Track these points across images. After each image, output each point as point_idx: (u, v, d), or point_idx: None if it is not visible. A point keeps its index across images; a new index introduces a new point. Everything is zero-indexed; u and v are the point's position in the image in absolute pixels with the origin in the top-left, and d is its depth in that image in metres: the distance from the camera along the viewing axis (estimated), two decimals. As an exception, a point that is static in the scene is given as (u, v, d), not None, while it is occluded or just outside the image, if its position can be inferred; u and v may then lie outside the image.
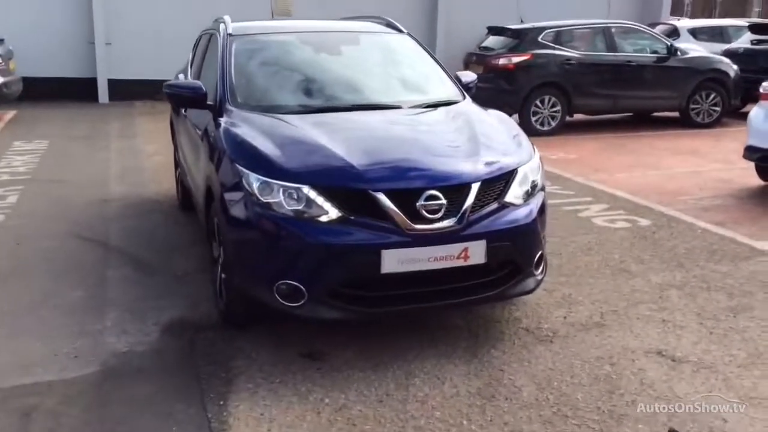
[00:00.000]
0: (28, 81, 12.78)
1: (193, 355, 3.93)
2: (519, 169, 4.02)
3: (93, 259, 5.41)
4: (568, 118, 11.31)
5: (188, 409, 3.39)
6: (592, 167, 8.75)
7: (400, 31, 5.54)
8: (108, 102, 14.56)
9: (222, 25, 5.28)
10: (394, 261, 3.61)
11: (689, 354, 3.95)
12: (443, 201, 3.66)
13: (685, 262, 5.34)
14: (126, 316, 4.38)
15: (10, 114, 12.71)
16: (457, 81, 5.21)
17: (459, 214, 3.69)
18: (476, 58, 11.62)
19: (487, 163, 3.94)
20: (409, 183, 3.72)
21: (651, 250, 5.63)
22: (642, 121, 12.23)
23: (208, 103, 4.66)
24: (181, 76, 6.40)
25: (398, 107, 4.67)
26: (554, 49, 10.99)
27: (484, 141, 4.16)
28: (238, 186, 3.82)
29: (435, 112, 4.67)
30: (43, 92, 13.83)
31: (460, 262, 3.72)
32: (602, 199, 7.22)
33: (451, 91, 5.03)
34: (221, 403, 3.44)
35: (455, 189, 3.74)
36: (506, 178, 3.95)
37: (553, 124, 11.06)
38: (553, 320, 4.37)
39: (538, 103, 10.94)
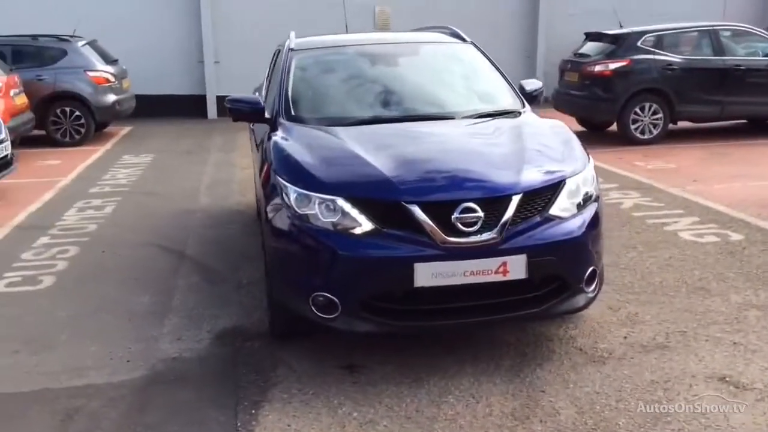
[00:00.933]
0: (142, 99, 13.55)
1: (237, 363, 3.99)
2: (568, 181, 3.83)
3: (166, 267, 5.62)
4: (671, 126, 10.74)
5: (220, 416, 3.44)
6: (690, 177, 8.25)
7: (464, 40, 5.45)
8: (216, 117, 15.18)
9: (287, 41, 5.38)
10: (427, 274, 3.52)
11: (756, 381, 3.62)
12: (480, 214, 3.54)
13: (772, 281, 4.93)
14: (184, 323, 4.52)
15: (125, 129, 13.51)
16: (521, 90, 5.06)
17: (497, 228, 3.56)
18: (571, 66, 11.27)
19: (532, 175, 3.78)
20: (444, 195, 3.63)
21: (737, 268, 5.23)
22: (757, 128, 11.44)
23: (266, 116, 4.75)
24: (257, 92, 6.57)
25: (451, 118, 4.58)
26: (655, 54, 10.47)
27: (532, 152, 4.00)
28: (278, 198, 3.85)
29: (487, 122, 4.55)
30: (156, 109, 14.61)
31: (499, 277, 3.58)
32: (694, 211, 6.79)
33: (509, 100, 4.88)
34: (252, 412, 3.47)
35: (494, 201, 3.61)
36: (552, 190, 3.77)
37: (655, 132, 10.53)
38: (612, 340, 4.13)
39: (637, 110, 10.45)
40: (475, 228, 3.55)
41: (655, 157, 9.54)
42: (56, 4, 14.33)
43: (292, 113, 4.61)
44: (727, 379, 3.65)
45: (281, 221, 3.82)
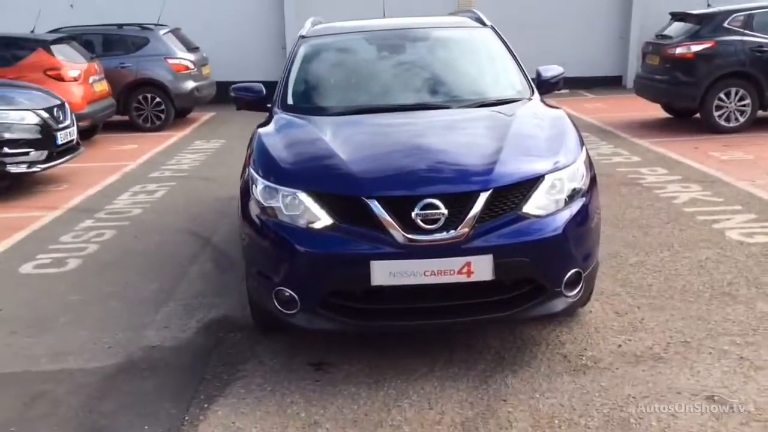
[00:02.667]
0: (225, 86, 13.85)
1: (212, 354, 3.98)
2: (547, 177, 3.55)
3: (187, 254, 5.70)
4: (760, 113, 9.91)
5: (172, 409, 3.43)
6: (766, 170, 7.58)
7: (484, 25, 5.19)
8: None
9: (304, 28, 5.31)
10: (385, 273, 3.36)
11: (748, 402, 3.25)
12: (443, 210, 3.35)
13: (813, 289, 4.44)
14: (178, 312, 4.56)
15: (207, 115, 13.90)
16: (537, 77, 4.76)
17: (461, 225, 3.36)
18: (653, 48, 10.59)
19: (505, 170, 3.54)
20: (405, 190, 3.44)
21: (778, 272, 4.75)
22: None
23: (268, 105, 4.70)
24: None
25: (447, 107, 4.37)
26: (743, 35, 9.66)
27: (513, 146, 3.74)
28: (249, 190, 3.80)
29: (479, 112, 4.30)
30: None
31: (463, 278, 3.38)
32: (753, 208, 6.22)
33: (516, 88, 4.61)
34: (205, 406, 3.45)
35: (459, 198, 3.40)
36: (528, 186, 3.51)
37: (741, 119, 9.73)
38: (604, 348, 3.84)
39: (722, 96, 9.69)
40: (437, 225, 3.36)
41: (736, 147, 8.83)
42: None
43: (288, 102, 4.55)
44: (716, 398, 3.30)
45: (251, 214, 3.76)
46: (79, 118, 10.22)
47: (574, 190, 3.64)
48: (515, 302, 3.52)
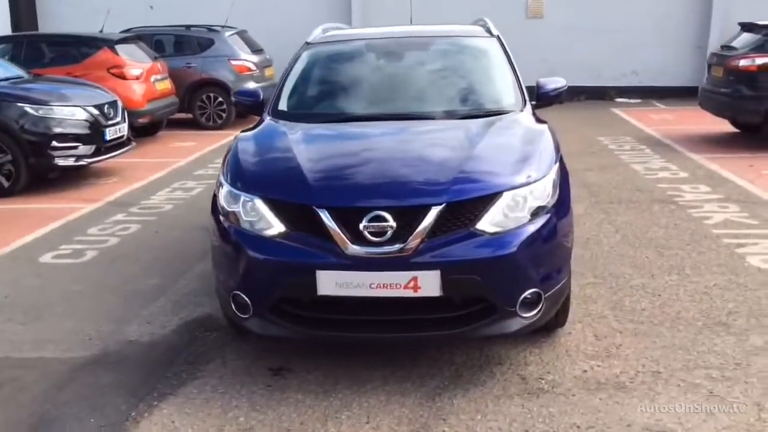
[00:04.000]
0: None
1: (182, 353, 4.06)
2: (506, 193, 3.45)
3: (197, 251, 5.82)
4: (830, 131, 9.30)
5: (123, 404, 3.52)
6: (819, 193, 7.11)
7: (490, 34, 5.08)
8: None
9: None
10: (330, 283, 3.35)
11: (697, 442, 3.07)
12: (391, 223, 3.31)
13: (818, 324, 4.13)
14: (166, 308, 4.67)
15: (271, 115, 14.17)
16: (537, 88, 4.64)
17: (409, 240, 3.31)
18: (717, 59, 10.08)
19: (463, 184, 3.46)
20: (354, 201, 3.42)
21: (789, 304, 4.45)
22: None
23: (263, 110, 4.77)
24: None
25: (431, 118, 4.31)
26: (812, 47, 9.10)
27: (478, 159, 3.66)
28: (216, 195, 3.88)
29: (458, 124, 4.18)
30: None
31: (409, 293, 3.33)
32: (789, 233, 5.85)
33: (508, 100, 4.50)
34: (155, 403, 3.52)
35: (408, 211, 3.35)
36: (484, 203, 3.42)
37: (808, 137, 9.18)
38: (568, 372, 3.69)
39: (788, 112, 9.15)
40: (385, 238, 3.32)
41: (796, 166, 8.32)
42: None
43: (279, 108, 4.60)
44: (665, 435, 3.13)
45: (216, 217, 3.83)
46: (139, 115, 10.72)
47: (538, 207, 3.52)
48: (466, 320, 3.44)
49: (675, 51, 15.17)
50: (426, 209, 3.34)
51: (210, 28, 13.16)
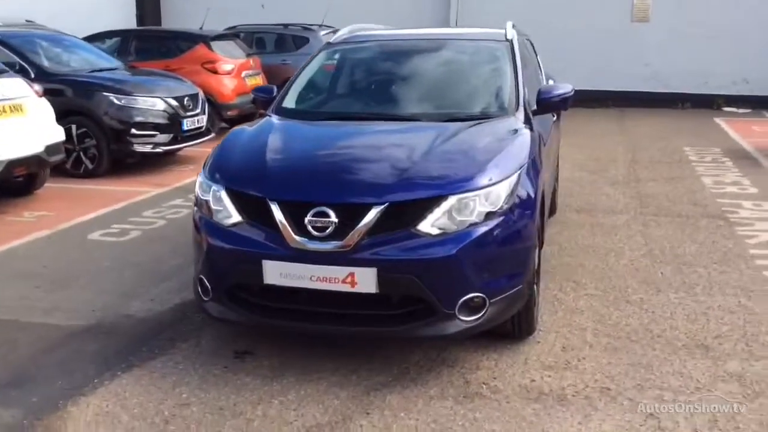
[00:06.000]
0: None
1: (167, 330, 4.35)
2: (452, 197, 3.48)
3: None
4: None
5: (92, 371, 3.83)
6: None
7: (504, 39, 5.02)
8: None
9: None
10: (275, 273, 3.52)
11: (606, 462, 2.99)
12: (333, 219, 3.43)
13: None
14: (173, 288, 4.99)
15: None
16: (537, 94, 4.57)
17: (349, 236, 3.42)
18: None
19: (408, 185, 3.53)
20: (300, 196, 3.57)
21: (791, 332, 4.17)
22: None
23: (275, 107, 4.99)
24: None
25: (417, 119, 4.35)
26: None
27: (432, 162, 3.71)
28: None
29: (438, 126, 4.18)
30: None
31: (347, 288, 3.44)
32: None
33: (499, 105, 4.48)
34: (119, 374, 3.79)
35: (350, 209, 3.45)
36: (428, 204, 3.46)
37: None
38: (515, 380, 3.66)
39: None
40: (327, 233, 3.45)
41: None
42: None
43: (282, 105, 4.79)
44: (579, 452, 3.07)
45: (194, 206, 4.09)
46: (228, 108, 11.33)
47: (488, 212, 3.52)
48: (402, 319, 3.51)
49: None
50: (367, 208, 3.43)
51: (306, 27, 13.62)
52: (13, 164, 6.83)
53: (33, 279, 5.18)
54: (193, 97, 9.30)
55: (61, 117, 8.25)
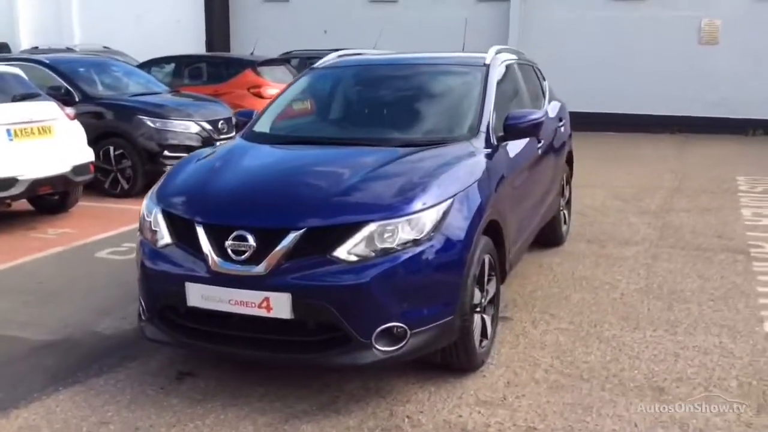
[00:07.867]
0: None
1: (123, 348, 4.40)
2: (372, 223, 3.39)
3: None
4: None
5: (37, 385, 3.92)
6: None
7: (483, 64, 4.87)
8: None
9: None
10: (197, 295, 3.53)
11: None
12: (251, 243, 3.42)
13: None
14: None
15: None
16: (505, 119, 4.40)
17: (265, 261, 3.39)
18: None
19: (327, 211, 3.48)
20: (222, 219, 3.58)
21: (768, 378, 3.84)
22: None
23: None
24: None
25: (375, 144, 4.26)
26: None
27: (359, 187, 3.64)
28: (149, 204, 4.20)
29: (388, 151, 4.09)
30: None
31: (263, 312, 3.41)
32: None
33: (459, 130, 4.37)
34: (60, 389, 3.85)
35: (268, 233, 3.43)
36: (349, 230, 3.40)
37: None
38: (441, 415, 3.52)
39: None
40: (245, 257, 3.44)
41: None
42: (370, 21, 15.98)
43: (252, 129, 4.82)
44: (474, 494, 2.90)
45: (142, 226, 4.15)
46: (272, 131, 11.53)
47: (412, 240, 3.42)
48: (318, 347, 3.44)
49: None
50: (284, 232, 3.40)
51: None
52: (38, 183, 7.16)
53: (25, 294, 5.38)
54: (228, 121, 9.53)
55: (101, 138, 8.68)
